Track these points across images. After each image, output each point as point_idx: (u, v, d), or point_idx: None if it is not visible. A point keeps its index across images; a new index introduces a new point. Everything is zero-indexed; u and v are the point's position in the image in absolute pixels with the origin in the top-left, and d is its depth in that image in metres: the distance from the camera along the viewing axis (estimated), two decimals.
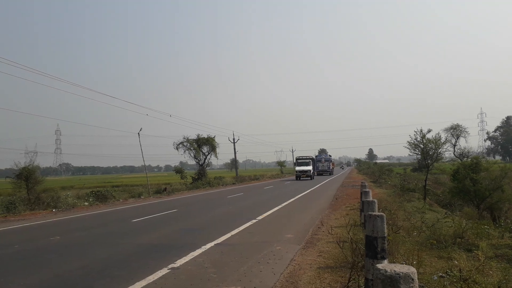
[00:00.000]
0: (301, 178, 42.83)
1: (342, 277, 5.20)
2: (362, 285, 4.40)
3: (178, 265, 6.11)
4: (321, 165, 59.13)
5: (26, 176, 18.19)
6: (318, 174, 55.51)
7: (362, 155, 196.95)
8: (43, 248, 8.12)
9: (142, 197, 24.29)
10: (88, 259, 6.83)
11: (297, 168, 45.35)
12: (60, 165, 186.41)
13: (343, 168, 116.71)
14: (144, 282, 5.18)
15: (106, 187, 30.73)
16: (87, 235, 9.77)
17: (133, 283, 5.13)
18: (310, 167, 44.65)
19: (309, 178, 43.09)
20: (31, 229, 11.27)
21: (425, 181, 23.91)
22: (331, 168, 60.74)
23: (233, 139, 52.49)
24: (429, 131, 22.96)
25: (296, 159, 48.85)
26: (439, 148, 23.02)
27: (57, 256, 7.25)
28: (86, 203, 19.56)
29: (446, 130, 60.27)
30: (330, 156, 67.04)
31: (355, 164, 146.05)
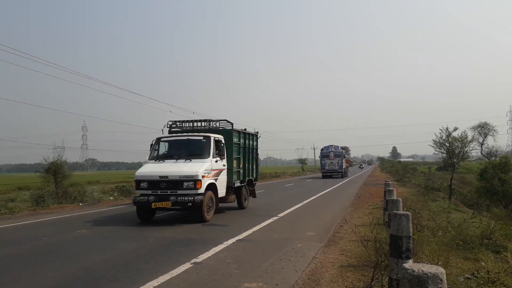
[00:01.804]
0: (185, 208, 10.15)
1: (365, 276, 5.15)
2: (385, 284, 4.35)
3: (201, 260, 6.19)
4: (329, 162, 41.08)
5: (54, 171, 18.67)
6: (325, 176, 40.64)
7: (386, 153, 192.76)
8: (70, 240, 8.36)
9: None
10: (113, 252, 6.99)
11: (142, 172, 10.58)
12: (86, 160, 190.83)
13: (362, 168, 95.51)
14: (167, 276, 5.26)
15: (131, 182, 31.18)
16: (112, 228, 9.99)
17: (157, 277, 5.23)
18: (196, 167, 10.13)
19: (183, 208, 10.27)
20: (59, 222, 11.60)
21: (451, 180, 23.38)
22: (344, 167, 41.94)
23: None
24: (455, 129, 22.48)
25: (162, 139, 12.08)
26: (465, 147, 22.52)
27: (83, 249, 7.46)
28: (111, 198, 19.98)
29: (473, 128, 58.42)
30: (344, 150, 45.61)
31: (378, 162, 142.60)
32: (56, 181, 18.72)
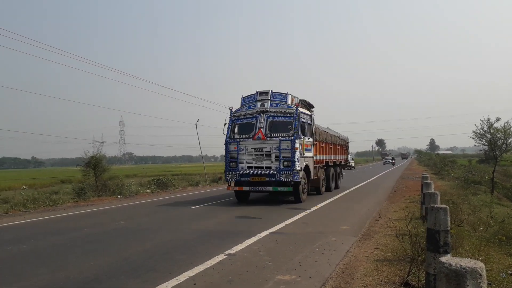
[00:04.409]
0: None
1: (401, 270, 5.05)
2: (422, 279, 4.25)
3: (234, 251, 6.27)
4: (251, 149, 12.52)
5: (94, 165, 19.40)
6: (242, 195, 13.58)
7: (423, 145, 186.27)
8: (110, 232, 8.69)
9: (199, 185, 25.08)
10: (150, 243, 7.21)
11: None
12: (124, 154, 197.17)
13: (393, 163, 66.04)
14: (202, 267, 5.38)
15: (166, 175, 32.04)
16: (149, 220, 10.30)
17: (192, 267, 5.35)
18: None
19: None
20: (99, 214, 12.07)
21: (493, 173, 22.35)
22: (299, 164, 12.12)
23: None
24: (497, 119, 21.38)
25: None
26: (509, 138, 21.40)
27: (122, 240, 7.73)
28: (148, 190, 20.56)
29: None
30: (306, 106, 14.55)
31: (415, 155, 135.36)
32: (95, 174, 19.45)
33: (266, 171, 12.32)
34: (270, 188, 12.54)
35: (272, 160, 12.35)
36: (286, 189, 12.27)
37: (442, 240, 3.41)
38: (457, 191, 15.62)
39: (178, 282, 4.77)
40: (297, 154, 12.15)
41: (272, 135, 12.51)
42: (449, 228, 3.47)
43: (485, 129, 21.38)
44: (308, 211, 10.90)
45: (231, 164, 12.96)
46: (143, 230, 8.76)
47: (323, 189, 15.78)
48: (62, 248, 7.09)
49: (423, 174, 11.20)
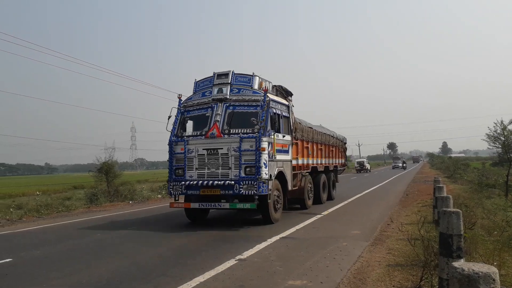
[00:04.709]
0: None
1: (414, 275, 4.99)
2: (435, 284, 4.19)
3: (245, 256, 6.26)
4: (200, 149, 9.38)
5: (106, 171, 19.54)
6: (189, 215, 10.30)
7: (436, 149, 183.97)
8: (122, 237, 8.74)
9: None
10: (162, 248, 7.24)
11: None
12: (135, 160, 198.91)
13: (404, 168, 57.78)
14: (213, 272, 5.38)
15: None
16: (160, 225, 10.32)
17: (203, 272, 5.35)
18: None
19: None
20: (111, 219, 12.15)
21: (507, 176, 21.99)
22: (264, 171, 8.91)
23: None
24: (511, 122, 21.06)
25: None
26: None
27: (134, 245, 7.78)
28: (159, 196, 20.65)
29: None
30: (288, 101, 11.02)
31: (427, 158, 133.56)
32: (107, 180, 19.59)
33: (221, 181, 9.01)
34: (227, 205, 9.34)
35: (231, 166, 9.10)
36: (248, 206, 8.96)
37: (455, 245, 3.37)
38: (470, 195, 15.39)
39: None
40: (265, 156, 8.94)
41: (231, 131, 9.37)
42: (462, 233, 3.43)
43: (498, 131, 21.08)
44: (319, 216, 10.84)
45: (176, 171, 9.61)
46: (154, 235, 8.80)
47: (309, 202, 12.50)
48: (74, 253, 7.16)
49: (435, 178, 11.09)
